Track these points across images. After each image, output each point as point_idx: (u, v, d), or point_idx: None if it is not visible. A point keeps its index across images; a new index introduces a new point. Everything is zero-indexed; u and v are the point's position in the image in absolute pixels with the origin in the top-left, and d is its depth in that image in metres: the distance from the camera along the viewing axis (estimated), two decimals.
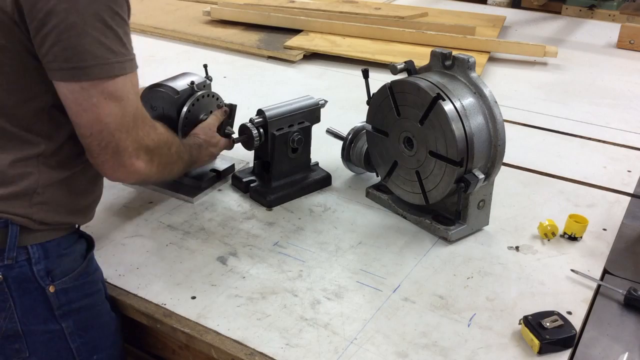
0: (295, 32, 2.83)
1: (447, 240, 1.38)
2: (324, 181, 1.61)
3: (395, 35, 2.74)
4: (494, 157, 1.33)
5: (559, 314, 1.13)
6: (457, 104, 1.29)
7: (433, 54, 1.39)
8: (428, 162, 1.36)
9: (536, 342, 1.08)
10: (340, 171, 1.66)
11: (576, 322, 1.14)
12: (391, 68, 1.41)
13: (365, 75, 1.52)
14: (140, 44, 2.73)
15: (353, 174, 1.67)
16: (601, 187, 1.65)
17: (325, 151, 1.71)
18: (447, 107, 1.29)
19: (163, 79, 1.51)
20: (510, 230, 1.44)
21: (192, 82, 1.51)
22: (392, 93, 1.39)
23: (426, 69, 1.42)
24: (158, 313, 1.18)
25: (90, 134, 1.05)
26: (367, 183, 1.60)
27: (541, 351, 1.08)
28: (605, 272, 1.30)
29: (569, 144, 1.92)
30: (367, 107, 1.50)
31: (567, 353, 1.09)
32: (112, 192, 1.53)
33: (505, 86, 2.37)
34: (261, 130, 1.48)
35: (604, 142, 1.93)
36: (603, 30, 3.19)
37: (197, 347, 1.15)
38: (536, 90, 2.35)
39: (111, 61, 1.02)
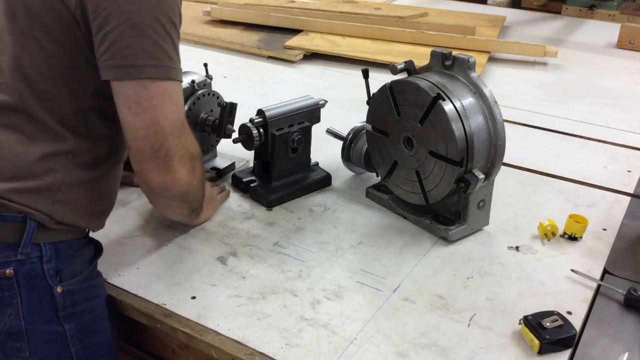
0: (295, 32, 2.83)
1: (447, 240, 1.38)
2: (324, 181, 1.61)
3: (395, 35, 2.74)
4: (494, 157, 1.33)
5: (559, 314, 1.13)
6: (457, 104, 1.29)
7: (433, 54, 1.39)
8: (428, 162, 1.36)
9: (536, 342, 1.08)
10: (340, 171, 1.66)
11: (576, 322, 1.14)
12: (391, 68, 1.41)
13: (365, 75, 1.52)
14: None
15: (353, 174, 1.67)
16: (601, 187, 1.65)
17: (325, 151, 1.71)
18: (447, 107, 1.29)
19: None
20: (510, 230, 1.44)
21: (193, 81, 1.52)
22: (392, 93, 1.39)
23: (426, 69, 1.42)
24: (158, 313, 1.18)
25: (144, 136, 1.05)
26: (367, 183, 1.60)
27: (541, 351, 1.08)
28: (605, 272, 1.30)
29: (569, 144, 1.92)
30: (367, 107, 1.50)
31: (567, 353, 1.09)
32: None
33: (505, 86, 2.37)
34: (261, 130, 1.48)
35: (604, 142, 1.93)
36: (603, 30, 3.18)
37: (197, 347, 1.15)
38: (536, 90, 2.35)
39: (168, 65, 1.04)
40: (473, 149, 1.29)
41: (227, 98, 1.59)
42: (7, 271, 1.04)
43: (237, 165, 1.68)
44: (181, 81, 1.09)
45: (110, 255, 1.32)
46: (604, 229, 1.45)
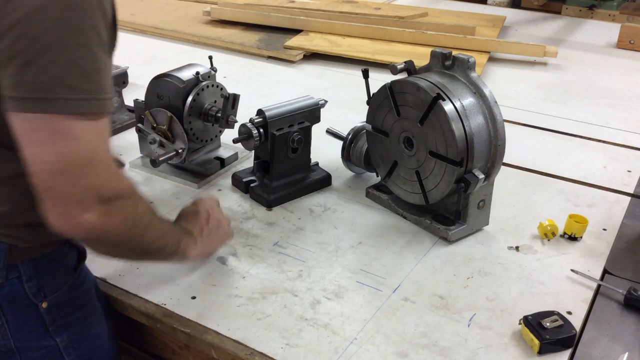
0: (295, 32, 2.83)
1: (447, 240, 1.38)
2: (324, 181, 1.61)
3: (395, 35, 2.74)
4: (494, 157, 1.33)
5: (559, 314, 1.13)
6: (457, 104, 1.29)
7: (433, 54, 1.39)
8: (428, 162, 1.36)
9: (536, 342, 1.08)
10: (340, 171, 1.66)
11: (576, 322, 1.14)
12: (391, 68, 1.41)
13: (365, 75, 1.52)
14: (140, 44, 2.77)
15: (353, 174, 1.67)
16: (601, 187, 1.65)
17: (325, 151, 1.71)
18: (447, 107, 1.29)
19: (169, 70, 1.56)
20: (510, 230, 1.44)
21: (197, 73, 1.55)
22: (392, 93, 1.39)
23: (426, 69, 1.42)
24: (158, 313, 1.18)
25: (32, 172, 0.89)
26: (367, 183, 1.60)
27: (541, 351, 1.08)
28: (605, 272, 1.30)
29: (569, 144, 1.92)
30: (367, 107, 1.50)
31: (567, 353, 1.09)
32: None
33: (505, 86, 2.36)
34: (261, 130, 1.48)
35: (604, 142, 1.93)
36: (603, 30, 3.18)
37: (197, 347, 1.15)
38: (536, 90, 2.35)
39: (60, 96, 0.87)
40: (473, 149, 1.29)
41: None
42: None
43: (239, 156, 1.70)
44: (100, 112, 0.91)
45: None
46: (604, 229, 1.45)
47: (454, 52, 1.37)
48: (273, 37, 2.80)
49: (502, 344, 1.11)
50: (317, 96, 1.60)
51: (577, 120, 2.08)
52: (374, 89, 1.48)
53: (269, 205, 1.51)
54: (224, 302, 1.20)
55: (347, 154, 1.61)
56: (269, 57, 2.62)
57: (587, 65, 2.65)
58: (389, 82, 1.40)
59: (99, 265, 1.25)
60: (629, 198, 1.60)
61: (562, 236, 1.41)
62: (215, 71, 1.61)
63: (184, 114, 1.53)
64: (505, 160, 1.37)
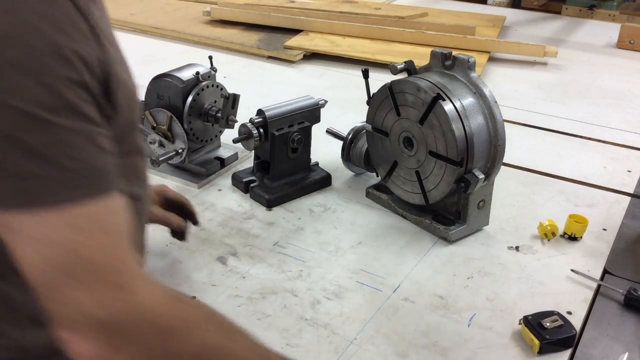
0: (295, 32, 2.83)
1: (447, 240, 1.38)
2: (324, 181, 1.61)
3: (395, 35, 2.74)
4: (494, 157, 1.33)
5: (559, 314, 1.13)
6: (457, 104, 1.29)
7: (433, 54, 1.39)
8: (428, 162, 1.36)
9: (536, 342, 1.08)
10: (340, 171, 1.66)
11: (576, 322, 1.14)
12: (391, 68, 1.41)
13: (365, 75, 1.52)
14: (140, 44, 2.77)
15: (353, 174, 1.67)
16: (601, 187, 1.65)
17: (325, 151, 1.71)
18: (447, 107, 1.29)
19: (169, 70, 1.56)
20: (510, 230, 1.44)
21: (197, 73, 1.56)
22: (392, 93, 1.39)
23: (426, 69, 1.42)
24: None
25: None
26: (367, 183, 1.60)
27: (541, 351, 1.08)
28: (605, 272, 1.30)
29: (569, 144, 1.92)
30: (367, 107, 1.50)
31: (567, 353, 1.09)
32: None
33: (505, 86, 2.36)
34: (261, 130, 1.48)
35: (604, 142, 1.93)
36: (603, 30, 3.18)
37: None
38: (536, 90, 2.35)
39: (32, 189, 0.61)
40: (473, 149, 1.29)
41: None
42: None
43: (239, 156, 1.71)
44: (100, 194, 0.65)
45: None
46: (604, 229, 1.45)
47: (454, 52, 1.37)
48: (273, 37, 2.80)
49: (502, 344, 1.11)
50: (317, 96, 1.60)
51: (577, 120, 2.08)
52: (374, 89, 1.48)
53: (269, 205, 1.51)
54: (224, 302, 1.20)
55: (347, 154, 1.61)
56: (269, 57, 2.62)
57: (587, 65, 2.65)
58: (389, 82, 1.40)
59: None
60: (629, 198, 1.60)
61: (562, 236, 1.41)
62: (215, 71, 1.62)
63: (184, 114, 1.53)
64: (505, 160, 1.37)
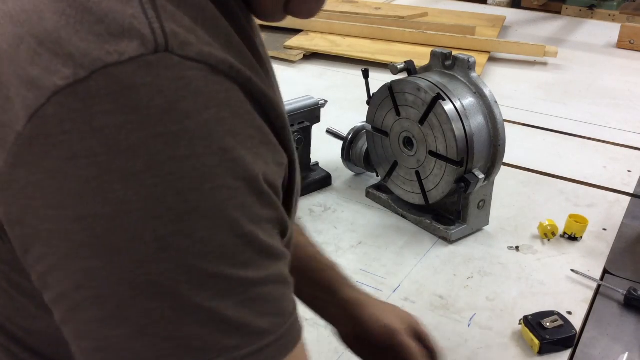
0: (295, 32, 2.83)
1: (447, 240, 1.38)
2: (324, 181, 1.61)
3: (395, 35, 2.74)
4: (494, 157, 1.33)
5: (559, 314, 1.13)
6: (457, 104, 1.29)
7: (433, 54, 1.40)
8: (428, 162, 1.36)
9: (536, 342, 1.08)
10: (340, 171, 1.66)
11: (576, 322, 1.14)
12: (391, 68, 1.41)
13: (365, 75, 1.52)
14: None
15: (353, 174, 1.67)
16: (601, 187, 1.65)
17: (325, 151, 1.71)
18: (447, 107, 1.29)
19: None
20: (510, 230, 1.44)
21: None
22: (392, 93, 1.39)
23: (426, 69, 1.42)
24: None
25: None
26: (367, 183, 1.60)
27: (541, 351, 1.08)
28: (605, 272, 1.30)
29: (569, 144, 1.92)
30: (367, 107, 1.50)
31: (567, 353, 1.09)
32: None
33: (505, 86, 2.36)
34: None
35: (604, 142, 1.93)
36: (603, 30, 3.18)
37: None
38: (536, 90, 2.35)
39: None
40: (473, 149, 1.29)
41: None
42: None
43: None
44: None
45: None
46: (604, 229, 1.45)
47: (454, 52, 1.37)
48: (273, 37, 2.79)
49: (502, 344, 1.11)
50: (317, 96, 1.60)
51: (577, 120, 2.08)
52: (374, 89, 1.48)
53: None
54: None
55: (347, 154, 1.61)
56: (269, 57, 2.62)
57: (587, 65, 2.65)
58: (389, 82, 1.40)
59: None
60: (629, 198, 1.60)
61: (562, 236, 1.41)
62: None
63: None
64: (505, 160, 1.37)
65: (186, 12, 0.45)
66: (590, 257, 1.35)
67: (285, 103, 1.64)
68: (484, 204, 1.40)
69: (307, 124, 1.55)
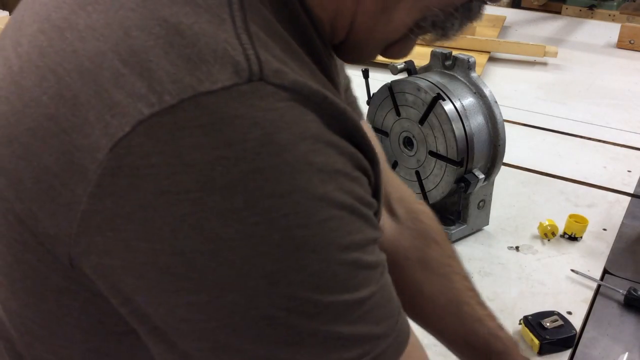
0: None
1: None
2: None
3: None
4: (494, 157, 1.33)
5: (559, 314, 1.13)
6: (457, 104, 1.29)
7: (433, 54, 1.40)
8: (428, 162, 1.36)
9: (536, 342, 1.08)
10: None
11: (576, 322, 1.14)
12: (391, 68, 1.41)
13: (365, 75, 1.52)
14: None
15: None
16: (601, 187, 1.65)
17: None
18: (447, 107, 1.29)
19: None
20: (510, 230, 1.44)
21: None
22: (392, 93, 1.39)
23: (426, 69, 1.42)
24: None
25: None
26: None
27: (541, 351, 1.08)
28: (605, 272, 1.30)
29: (569, 144, 1.92)
30: (367, 107, 1.50)
31: (567, 353, 1.09)
32: None
33: (505, 86, 2.36)
34: None
35: (604, 142, 1.93)
36: (603, 30, 3.18)
37: None
38: (536, 90, 2.35)
39: None
40: (473, 149, 1.29)
41: None
42: None
43: None
44: None
45: None
46: (604, 229, 1.45)
47: (454, 52, 1.37)
48: None
49: None
50: None
51: (577, 120, 2.08)
52: (373, 89, 1.47)
53: None
54: None
55: None
56: None
57: (587, 65, 2.65)
58: (389, 82, 1.40)
59: None
60: (629, 198, 1.60)
61: (562, 236, 1.41)
62: None
63: None
64: (505, 160, 1.37)
65: (276, 43, 0.44)
66: (590, 257, 1.35)
67: None
68: (484, 204, 1.40)
69: None
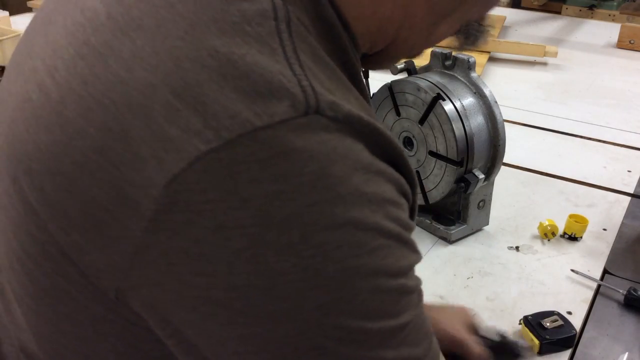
0: None
1: (447, 240, 1.38)
2: None
3: None
4: (494, 157, 1.33)
5: (559, 314, 1.13)
6: (457, 104, 1.29)
7: (433, 54, 1.39)
8: (428, 162, 1.36)
9: (536, 342, 1.08)
10: None
11: (576, 322, 1.14)
12: (391, 68, 1.41)
13: (365, 75, 1.52)
14: None
15: None
16: (601, 187, 1.65)
17: None
18: (447, 107, 1.29)
19: None
20: (510, 230, 1.44)
21: None
22: (392, 93, 1.39)
23: (426, 69, 1.42)
24: None
25: None
26: None
27: (541, 351, 1.08)
28: (605, 272, 1.30)
29: (569, 144, 1.92)
30: None
31: (567, 353, 1.09)
32: None
33: (505, 86, 2.36)
34: None
35: (604, 142, 1.93)
36: (603, 30, 3.18)
37: None
38: (536, 90, 2.35)
39: None
40: (473, 149, 1.29)
41: None
42: None
43: None
44: None
45: None
46: (604, 229, 1.45)
47: (454, 52, 1.37)
48: None
49: None
50: None
51: (577, 120, 2.08)
52: (373, 89, 1.47)
53: None
54: None
55: None
56: None
57: (587, 65, 2.65)
58: (389, 82, 1.40)
59: None
60: (629, 198, 1.60)
61: (562, 236, 1.41)
62: None
63: None
64: (505, 160, 1.37)
65: (322, 70, 0.43)
66: (590, 257, 1.35)
67: None
68: (484, 204, 1.40)
69: None
